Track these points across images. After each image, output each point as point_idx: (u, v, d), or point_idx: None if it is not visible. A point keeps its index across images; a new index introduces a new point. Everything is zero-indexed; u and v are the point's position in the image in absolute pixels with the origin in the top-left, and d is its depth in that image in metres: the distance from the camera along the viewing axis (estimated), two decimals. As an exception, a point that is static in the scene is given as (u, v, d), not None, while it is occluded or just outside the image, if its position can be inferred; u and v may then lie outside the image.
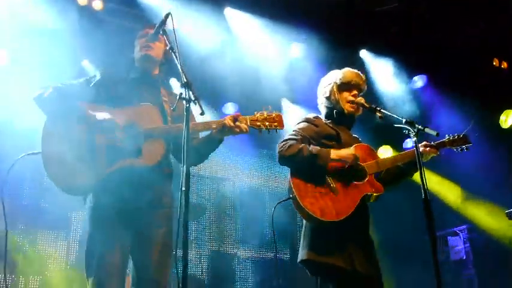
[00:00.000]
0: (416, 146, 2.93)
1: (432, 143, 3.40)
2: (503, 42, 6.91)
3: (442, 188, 8.09)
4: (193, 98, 2.47)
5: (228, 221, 8.09)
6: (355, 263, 2.99)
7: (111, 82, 3.00)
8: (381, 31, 6.99)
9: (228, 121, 2.84)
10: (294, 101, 7.79)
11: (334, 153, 3.12)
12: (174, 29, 2.69)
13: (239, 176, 8.40)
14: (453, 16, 6.70)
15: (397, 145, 8.00)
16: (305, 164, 3.08)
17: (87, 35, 6.03)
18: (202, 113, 2.52)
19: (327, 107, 3.47)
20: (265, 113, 2.99)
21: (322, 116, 3.50)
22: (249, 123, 2.93)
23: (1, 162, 4.63)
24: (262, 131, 2.97)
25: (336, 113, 3.42)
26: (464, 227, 7.51)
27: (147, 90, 3.03)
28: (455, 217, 7.80)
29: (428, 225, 2.70)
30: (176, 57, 2.63)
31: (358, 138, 3.53)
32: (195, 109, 2.53)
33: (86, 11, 6.16)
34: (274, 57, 6.99)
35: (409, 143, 7.92)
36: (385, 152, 8.12)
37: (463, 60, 7.13)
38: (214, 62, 6.56)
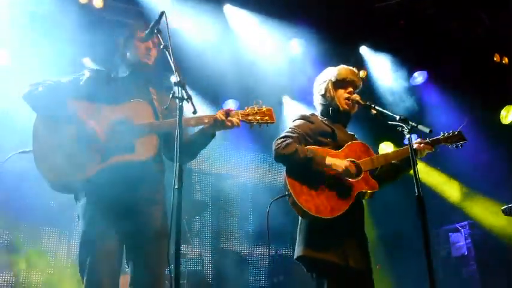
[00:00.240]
0: (410, 143, 2.95)
1: (428, 139, 3.41)
2: (505, 38, 6.88)
3: (443, 184, 8.09)
4: (186, 97, 2.48)
5: (230, 217, 8.12)
6: (349, 259, 3.02)
7: (101, 79, 3.02)
8: (381, 27, 6.98)
9: (220, 115, 2.86)
10: (295, 97, 7.80)
11: (330, 160, 3.12)
12: (168, 28, 2.70)
13: (241, 172, 8.42)
14: (454, 11, 6.68)
15: (399, 141, 7.99)
16: (300, 166, 3.11)
17: (88, 33, 6.06)
18: (194, 112, 2.53)
19: (323, 105, 3.48)
20: (256, 108, 3.01)
21: (318, 113, 3.51)
22: (240, 118, 2.94)
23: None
24: (253, 125, 2.99)
25: (331, 110, 3.43)
26: (465, 223, 7.51)
27: (136, 88, 3.05)
28: (457, 213, 7.80)
29: (421, 223, 2.71)
30: (170, 56, 2.64)
31: (353, 135, 3.54)
32: (186, 107, 2.53)
33: (87, 9, 6.20)
34: (274, 54, 7.00)
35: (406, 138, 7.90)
36: (387, 148, 8.13)
37: (463, 56, 7.11)
38: (214, 59, 6.56)
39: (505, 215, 4.00)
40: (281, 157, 3.16)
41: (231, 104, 7.62)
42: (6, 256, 5.13)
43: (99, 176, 2.71)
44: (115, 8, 6.39)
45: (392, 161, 3.37)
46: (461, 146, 3.42)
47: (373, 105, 3.25)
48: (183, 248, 6.28)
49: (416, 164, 2.93)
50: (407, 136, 2.95)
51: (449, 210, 7.89)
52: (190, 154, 3.05)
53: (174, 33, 6.32)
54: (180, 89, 2.50)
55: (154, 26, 2.80)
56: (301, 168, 3.10)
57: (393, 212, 7.32)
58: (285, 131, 3.30)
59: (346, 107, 3.40)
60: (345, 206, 3.07)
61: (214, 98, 7.31)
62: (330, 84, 3.43)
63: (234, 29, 6.76)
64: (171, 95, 2.50)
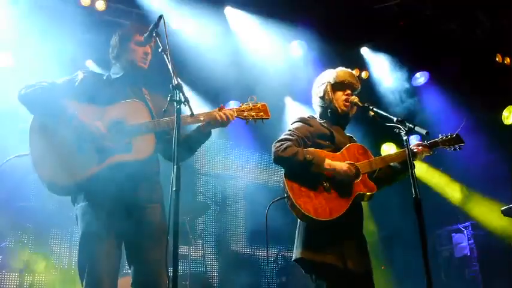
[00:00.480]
0: (407, 145, 2.96)
1: (426, 142, 3.42)
2: (507, 38, 6.87)
3: (446, 185, 8.08)
4: (183, 100, 2.50)
5: (232, 218, 8.13)
6: (347, 262, 3.03)
7: (95, 80, 3.03)
8: (381, 29, 6.99)
9: (218, 113, 2.90)
10: (296, 99, 7.82)
11: (328, 163, 3.13)
12: (166, 31, 2.71)
13: (244, 173, 8.44)
14: (454, 12, 6.67)
15: (401, 142, 7.98)
16: (299, 168, 3.12)
17: (91, 35, 6.10)
18: (192, 114, 2.56)
19: (321, 107, 3.50)
20: (250, 104, 3.04)
21: (317, 116, 3.52)
22: (236, 114, 2.98)
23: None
24: (248, 121, 3.02)
25: (330, 113, 3.44)
26: (468, 223, 7.51)
27: (129, 89, 3.07)
28: (460, 214, 7.79)
29: (418, 224, 2.72)
30: (168, 59, 2.65)
31: (352, 137, 3.56)
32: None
33: (89, 12, 6.24)
34: (276, 56, 7.02)
35: (412, 140, 7.91)
36: (389, 149, 8.13)
37: (463, 57, 7.11)
38: (215, 61, 6.60)
39: (505, 215, 3.99)
40: (280, 160, 3.18)
41: (232, 105, 7.63)
42: (9, 257, 5.16)
43: (96, 177, 2.73)
44: (117, 11, 6.44)
45: (391, 163, 3.38)
46: (459, 148, 3.42)
47: (371, 107, 3.26)
48: (186, 250, 6.30)
49: (414, 166, 2.93)
50: (405, 138, 2.97)
51: (452, 211, 7.88)
52: (186, 153, 3.05)
53: (175, 35, 6.40)
54: (177, 92, 2.51)
55: (153, 29, 2.82)
56: (300, 170, 3.11)
57: (395, 212, 7.32)
58: (284, 134, 3.31)
59: (344, 109, 3.42)
60: (343, 208, 3.07)
61: (215, 99, 7.32)
62: (328, 87, 3.44)
63: (235, 31, 6.79)
64: (168, 98, 2.51)
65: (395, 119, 3.03)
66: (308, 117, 3.46)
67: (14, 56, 6.16)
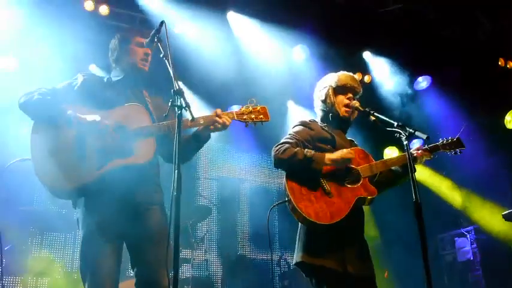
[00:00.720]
0: (407, 149, 2.97)
1: (426, 146, 3.43)
2: (508, 42, 6.87)
3: (448, 189, 8.07)
4: (184, 105, 2.52)
5: (235, 222, 8.13)
6: (348, 266, 3.03)
7: (96, 84, 3.05)
8: (383, 33, 7.00)
9: (216, 117, 2.93)
10: (299, 102, 7.84)
11: (329, 158, 3.15)
12: (167, 37, 2.73)
13: (246, 176, 8.45)
14: (456, 17, 6.68)
15: (403, 146, 7.97)
16: (300, 168, 3.13)
17: (94, 39, 6.14)
18: (192, 119, 2.58)
19: (323, 110, 3.51)
20: (250, 107, 3.06)
21: (318, 119, 3.54)
22: (235, 118, 2.99)
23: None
24: (248, 124, 3.03)
25: (331, 116, 3.45)
26: (471, 228, 7.49)
27: (130, 92, 3.09)
28: (462, 218, 7.78)
29: (419, 228, 2.73)
30: (169, 64, 2.66)
31: (353, 141, 3.57)
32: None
33: (93, 17, 6.29)
34: (278, 60, 7.05)
35: (415, 144, 7.91)
36: (391, 152, 8.13)
37: (466, 61, 7.11)
38: (218, 65, 6.62)
39: (506, 220, 3.99)
40: (280, 162, 3.19)
41: (235, 110, 7.65)
42: (13, 261, 5.18)
43: (97, 181, 2.75)
44: (120, 15, 6.48)
45: (392, 167, 3.39)
46: (460, 152, 3.43)
47: (372, 112, 3.27)
48: (188, 253, 6.31)
49: (415, 170, 2.94)
50: (405, 142, 2.98)
51: (455, 216, 7.87)
52: (186, 156, 3.07)
53: (178, 39, 6.43)
54: (178, 97, 2.53)
55: (154, 34, 2.82)
56: (301, 170, 3.12)
57: (396, 216, 7.31)
58: (284, 137, 3.33)
59: (345, 113, 3.43)
60: (344, 212, 3.07)
61: (218, 103, 7.33)
62: (330, 90, 3.45)
63: (237, 35, 6.81)
64: (169, 103, 2.53)
65: (395, 123, 3.04)
66: (309, 120, 3.47)
67: (17, 59, 6.20)
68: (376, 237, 7.81)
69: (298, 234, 3.28)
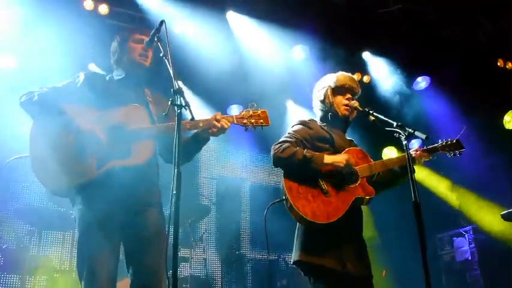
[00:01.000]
0: (406, 149, 2.97)
1: (425, 147, 3.43)
2: (508, 42, 6.88)
3: (447, 189, 8.08)
4: (184, 104, 2.52)
5: (233, 221, 8.13)
6: (347, 264, 3.03)
7: (97, 82, 3.05)
8: (383, 33, 7.01)
9: (215, 121, 2.91)
10: (298, 102, 7.84)
11: (328, 158, 3.15)
12: (167, 36, 2.73)
13: (245, 176, 8.45)
14: (456, 17, 6.69)
15: (402, 146, 7.98)
16: (298, 167, 3.13)
17: (94, 38, 6.14)
18: (192, 119, 2.58)
19: (322, 111, 3.52)
20: (250, 111, 3.05)
21: (318, 119, 3.54)
22: (235, 122, 2.99)
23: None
24: (248, 128, 3.03)
25: (330, 116, 3.46)
26: (469, 227, 7.50)
27: (132, 90, 3.09)
28: (461, 218, 7.79)
29: (418, 228, 2.73)
30: (169, 64, 2.66)
31: (352, 141, 3.57)
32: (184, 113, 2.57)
33: (93, 15, 6.29)
34: (278, 60, 7.05)
35: (414, 144, 7.93)
36: (390, 152, 8.14)
37: (465, 61, 7.12)
38: (217, 65, 6.62)
39: (505, 220, 4.00)
40: (279, 161, 3.20)
41: (234, 110, 7.67)
42: (10, 259, 5.17)
43: (95, 181, 2.75)
44: (120, 15, 6.48)
45: (391, 168, 3.39)
46: (459, 154, 3.43)
47: (371, 112, 3.28)
48: (187, 252, 6.31)
49: (414, 170, 2.94)
50: (404, 142, 2.98)
51: (453, 215, 7.88)
52: (185, 157, 3.05)
53: (178, 39, 6.43)
54: (178, 96, 2.53)
55: (154, 34, 2.83)
56: (300, 170, 3.13)
57: (394, 216, 7.32)
58: (283, 136, 3.34)
59: (345, 113, 3.43)
60: (341, 211, 3.08)
61: (218, 103, 7.37)
62: (329, 91, 3.46)
63: (237, 35, 6.82)
64: (169, 103, 2.53)
65: (395, 123, 3.04)
66: (308, 120, 3.48)
67: (16, 58, 6.20)
68: (375, 236, 7.82)
69: (296, 233, 3.28)
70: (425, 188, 7.96)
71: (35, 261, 5.26)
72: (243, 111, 3.06)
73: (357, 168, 3.24)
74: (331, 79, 3.50)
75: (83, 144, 2.81)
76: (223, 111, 7.70)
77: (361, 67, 7.60)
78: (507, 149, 7.26)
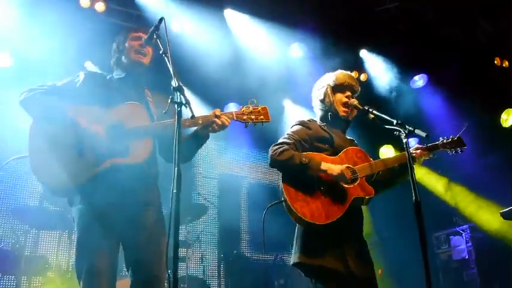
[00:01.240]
0: (406, 148, 2.95)
1: (425, 145, 3.41)
2: (506, 42, 6.89)
3: (444, 187, 8.09)
4: (184, 102, 2.50)
5: (231, 220, 8.10)
6: (349, 265, 3.01)
7: (97, 81, 3.03)
8: (381, 31, 7.00)
9: (215, 117, 2.89)
10: (296, 101, 7.83)
11: (325, 166, 3.12)
12: (167, 34, 2.70)
13: (243, 174, 8.43)
14: (454, 16, 6.69)
15: (399, 144, 7.99)
16: (295, 172, 3.11)
17: (90, 36, 6.11)
18: (192, 116, 2.56)
19: (322, 110, 3.49)
20: (250, 107, 3.02)
21: (317, 119, 3.52)
22: (235, 118, 2.96)
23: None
24: (248, 125, 3.00)
25: (330, 116, 3.43)
26: (466, 226, 7.52)
27: (131, 90, 3.07)
28: (458, 217, 7.81)
29: (418, 227, 2.72)
30: (168, 61, 2.64)
31: (353, 141, 3.54)
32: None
33: (89, 13, 6.25)
34: (276, 58, 7.04)
35: (411, 142, 7.94)
36: (387, 151, 8.14)
37: (463, 60, 7.12)
38: (215, 63, 6.60)
39: (504, 218, 3.98)
40: (276, 163, 3.17)
41: (232, 108, 7.65)
42: (6, 259, 5.13)
43: (93, 180, 2.73)
44: (117, 12, 6.45)
45: (390, 167, 3.37)
46: (461, 151, 3.41)
47: (370, 110, 3.25)
48: (184, 252, 6.28)
49: (414, 169, 2.92)
50: (404, 141, 2.96)
51: (450, 214, 7.89)
52: (185, 155, 3.03)
53: (176, 37, 6.40)
54: (178, 94, 2.51)
55: (153, 31, 2.80)
56: (297, 174, 3.10)
57: (393, 214, 7.33)
58: (282, 138, 3.30)
59: (344, 113, 3.41)
60: (340, 212, 3.05)
61: (215, 101, 7.33)
62: (328, 89, 3.43)
63: (235, 33, 6.80)
64: (169, 100, 2.51)
65: (395, 121, 3.01)
66: (308, 120, 3.45)
67: (13, 56, 6.16)
68: (372, 234, 7.82)
69: (295, 234, 3.25)
70: (422, 187, 7.96)
71: (30, 262, 5.21)
72: (242, 107, 3.03)
73: (356, 167, 3.21)
74: (331, 78, 3.48)
75: (83, 142, 2.78)
76: (220, 109, 7.64)
77: (359, 65, 7.60)
78: (505, 147, 7.27)
